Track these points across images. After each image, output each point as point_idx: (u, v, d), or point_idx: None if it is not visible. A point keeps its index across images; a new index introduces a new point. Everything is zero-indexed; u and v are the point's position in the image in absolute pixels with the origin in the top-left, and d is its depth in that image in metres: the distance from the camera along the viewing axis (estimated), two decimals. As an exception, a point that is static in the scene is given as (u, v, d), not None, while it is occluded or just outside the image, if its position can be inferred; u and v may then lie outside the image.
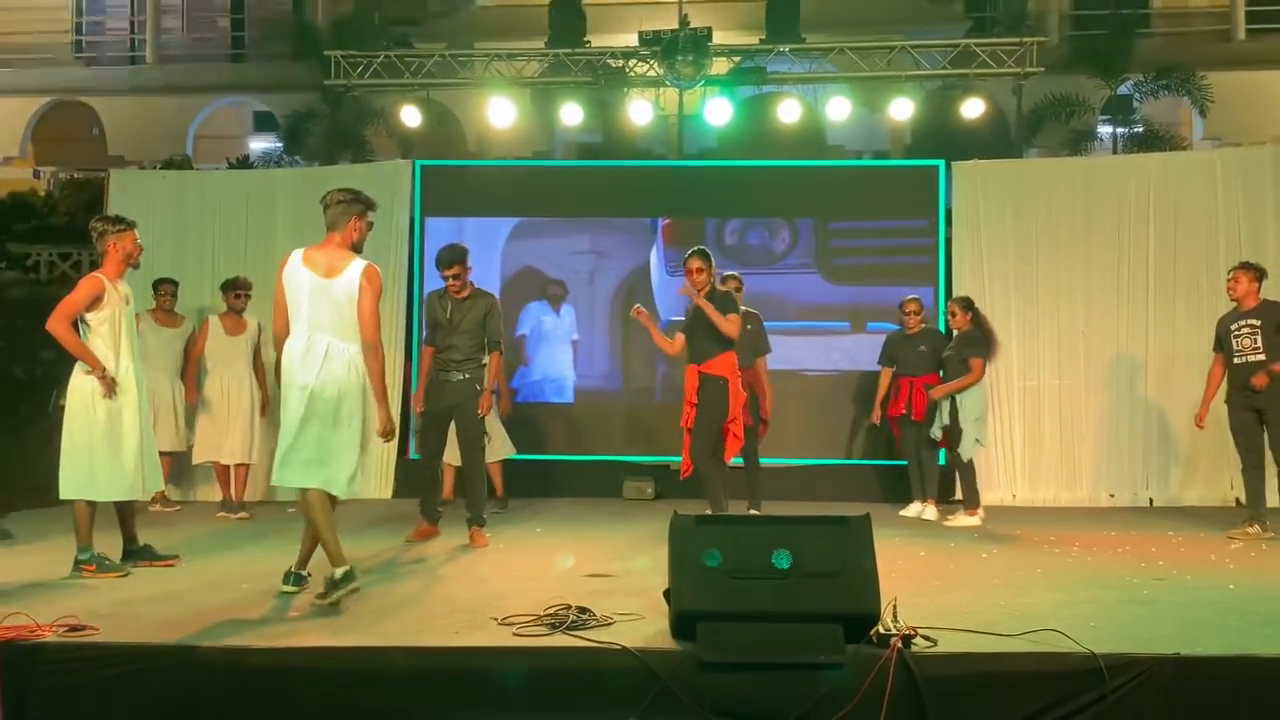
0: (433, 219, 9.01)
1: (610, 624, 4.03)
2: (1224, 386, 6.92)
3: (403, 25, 15.10)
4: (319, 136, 14.15)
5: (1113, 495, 8.30)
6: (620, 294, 8.92)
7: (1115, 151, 13.82)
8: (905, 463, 7.82)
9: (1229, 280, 6.91)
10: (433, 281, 6.58)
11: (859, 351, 8.55)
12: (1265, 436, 6.71)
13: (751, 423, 7.10)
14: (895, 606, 3.78)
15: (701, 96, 10.78)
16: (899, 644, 3.61)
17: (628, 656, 3.65)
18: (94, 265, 5.96)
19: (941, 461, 7.78)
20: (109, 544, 5.36)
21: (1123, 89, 14.19)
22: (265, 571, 5.14)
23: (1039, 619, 4.04)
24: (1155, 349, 8.36)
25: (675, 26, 10.04)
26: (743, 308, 7.16)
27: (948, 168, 8.77)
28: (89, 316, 5.23)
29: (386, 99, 12.21)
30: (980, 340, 7.40)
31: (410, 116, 10.69)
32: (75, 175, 14.41)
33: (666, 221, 9.02)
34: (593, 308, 9.02)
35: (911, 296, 7.81)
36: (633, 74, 10.48)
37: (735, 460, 6.75)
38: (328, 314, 4.56)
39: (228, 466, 7.64)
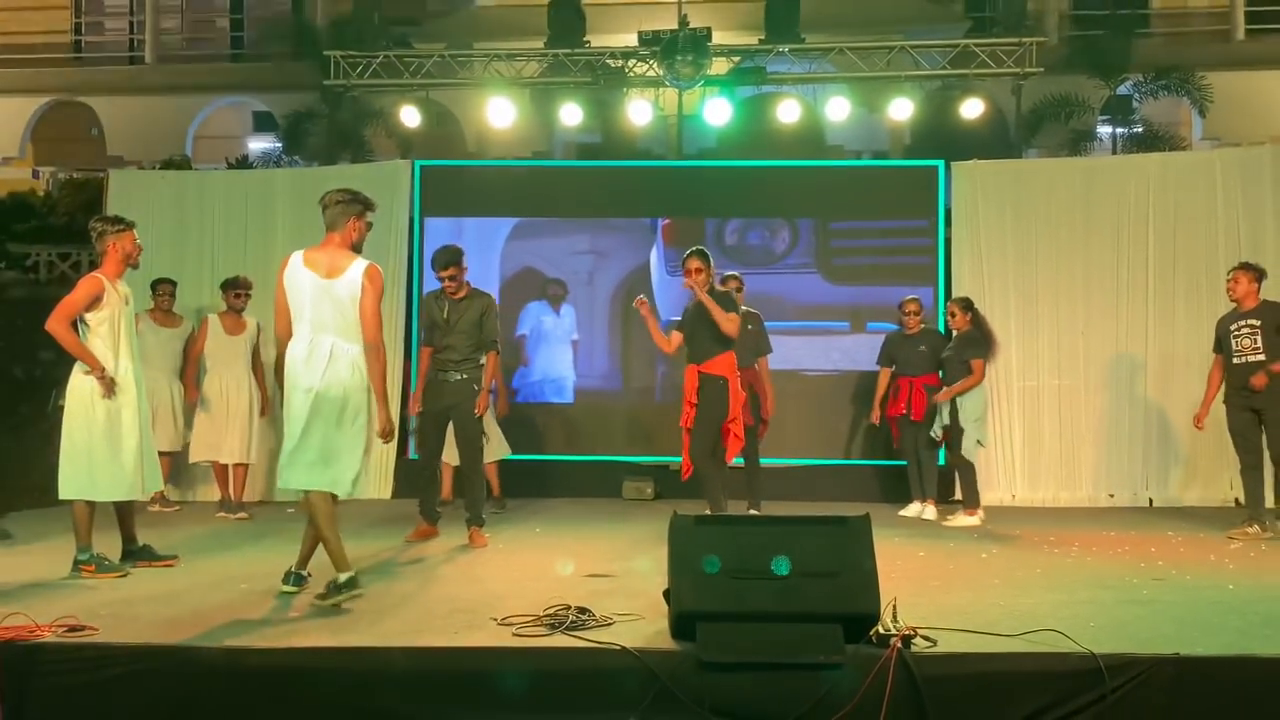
0: (432, 219, 9.01)
1: (610, 624, 4.03)
2: (1223, 387, 6.92)
3: (402, 25, 15.06)
4: (318, 137, 14.13)
5: (1112, 495, 8.31)
6: (620, 294, 8.92)
7: (1115, 152, 13.80)
8: (904, 463, 7.82)
9: (1229, 281, 6.91)
10: (432, 282, 6.58)
11: (859, 351, 8.55)
12: (1264, 437, 6.71)
13: (752, 423, 7.11)
14: (895, 607, 3.79)
15: (701, 96, 10.78)
16: (898, 644, 3.61)
17: (627, 657, 3.65)
18: (93, 265, 5.96)
19: (941, 461, 7.79)
20: (108, 544, 5.36)
21: (1122, 89, 14.18)
22: (265, 572, 5.14)
23: (1038, 619, 4.05)
24: (1155, 349, 8.37)
25: (675, 26, 10.03)
26: (743, 308, 7.17)
27: (947, 168, 8.77)
28: (88, 316, 5.23)
29: (386, 99, 12.20)
30: (980, 341, 7.40)
31: (410, 117, 10.69)
32: (74, 175, 14.37)
33: (666, 221, 9.02)
34: (592, 308, 9.02)
35: (911, 297, 7.81)
36: (632, 74, 10.48)
37: (736, 460, 6.76)
38: (330, 315, 4.55)
39: (226, 466, 7.64)
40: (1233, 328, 6.82)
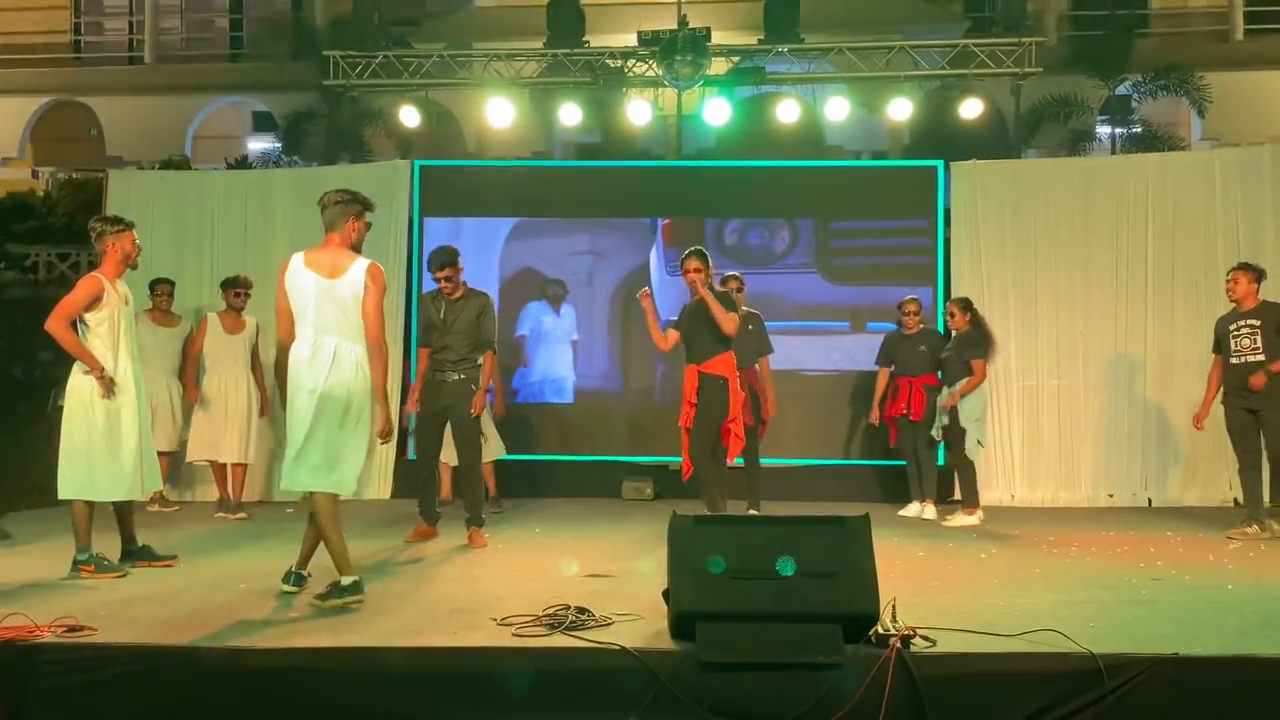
0: (432, 219, 9.01)
1: (609, 624, 4.03)
2: (1222, 387, 6.92)
3: (401, 25, 15.06)
4: (318, 137, 14.14)
5: (1111, 495, 8.31)
6: (620, 294, 8.93)
7: (1114, 152, 13.80)
8: (904, 463, 7.82)
9: (1228, 281, 6.91)
10: (432, 282, 6.58)
11: (859, 351, 8.56)
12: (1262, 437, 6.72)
13: (752, 423, 7.12)
14: (894, 607, 3.79)
15: (700, 97, 10.78)
16: (898, 644, 3.62)
17: (627, 657, 3.65)
18: (92, 265, 5.96)
19: (940, 461, 7.80)
20: (107, 544, 5.36)
21: (1121, 89, 14.19)
22: (264, 572, 5.14)
23: (1038, 619, 4.05)
24: (1154, 349, 8.37)
25: (674, 27, 10.03)
26: (744, 308, 7.18)
27: (946, 168, 8.78)
28: (88, 317, 5.22)
29: (385, 99, 12.21)
30: (979, 341, 7.41)
31: (409, 117, 10.69)
32: (74, 175, 14.36)
33: (666, 222, 9.03)
34: (592, 308, 9.02)
35: (910, 297, 7.81)
36: (631, 74, 10.48)
37: (736, 460, 6.77)
38: (334, 315, 4.54)
39: (224, 465, 7.64)
40: (1232, 328, 6.82)
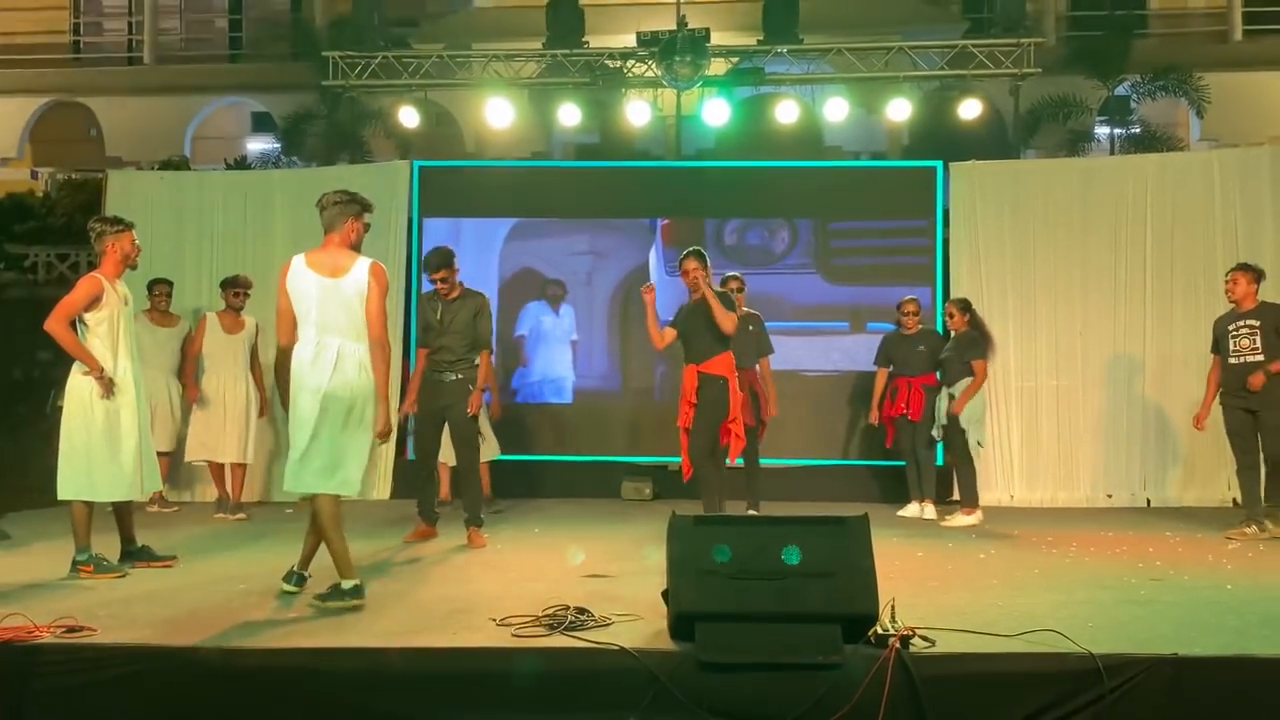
0: (431, 219, 9.01)
1: (608, 624, 4.03)
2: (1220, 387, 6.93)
3: (401, 26, 15.06)
4: (317, 137, 14.13)
5: (1110, 496, 8.31)
6: (619, 295, 8.93)
7: (1112, 152, 13.81)
8: (903, 463, 7.83)
9: (1227, 281, 6.92)
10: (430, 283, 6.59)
11: (858, 351, 8.57)
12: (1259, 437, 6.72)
13: (753, 423, 7.12)
14: (893, 607, 3.79)
15: (699, 97, 10.78)
16: (897, 644, 3.62)
17: (626, 657, 3.65)
18: (92, 266, 5.96)
19: (939, 461, 7.80)
20: (107, 545, 5.36)
21: (1120, 90, 14.19)
22: (263, 572, 5.14)
23: (1037, 619, 4.05)
24: (1152, 349, 8.38)
25: (673, 27, 10.03)
26: (744, 309, 7.18)
27: (945, 169, 8.78)
28: (87, 317, 5.22)
29: (385, 100, 12.21)
30: (979, 342, 7.42)
31: (408, 117, 10.69)
32: (73, 176, 14.35)
33: (665, 222, 9.03)
34: (591, 308, 9.03)
35: (910, 297, 7.81)
36: (630, 75, 10.48)
37: (736, 460, 6.77)
38: (338, 315, 4.54)
39: (221, 464, 7.63)
40: (1231, 328, 6.82)
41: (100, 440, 5.17)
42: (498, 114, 10.43)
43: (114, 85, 18.07)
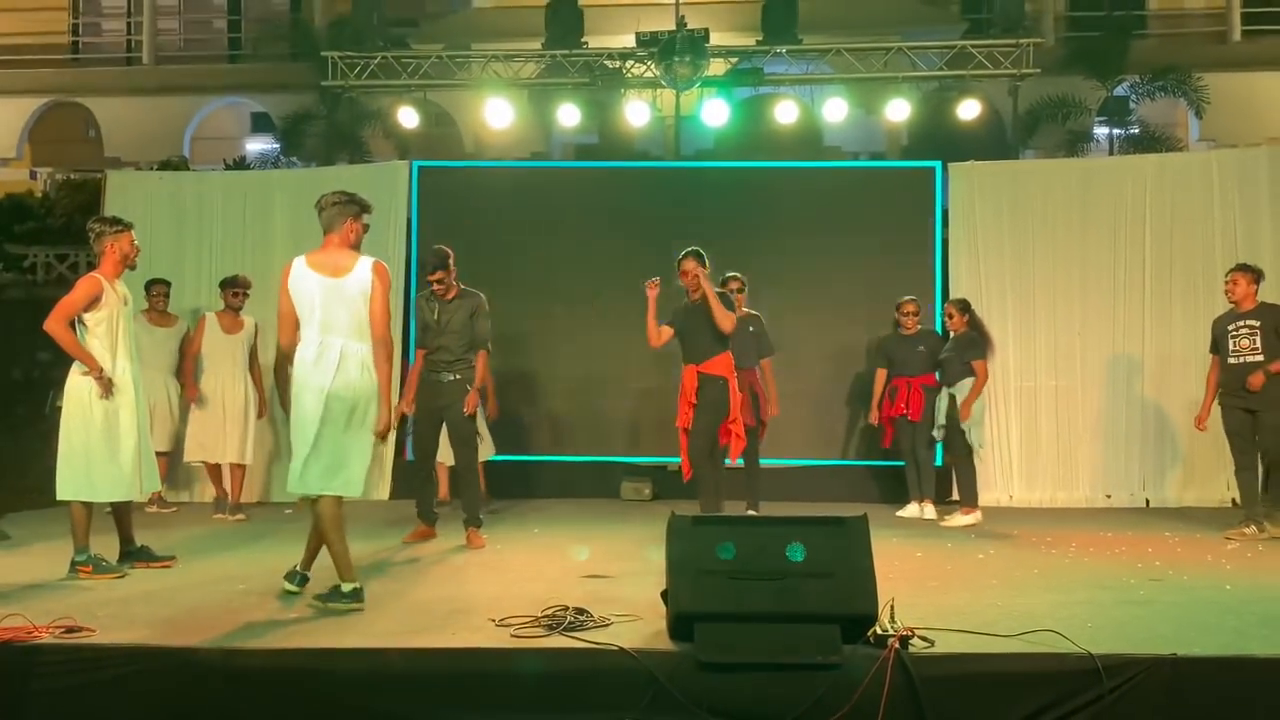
0: (430, 220, 8.99)
1: (608, 625, 4.03)
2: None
3: (400, 26, 15.08)
4: (316, 138, 14.14)
5: (1109, 496, 8.32)
6: (618, 294, 8.88)
7: (1111, 153, 13.84)
8: (902, 463, 7.83)
9: (1227, 282, 6.92)
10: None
11: (857, 352, 8.55)
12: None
13: (753, 423, 7.12)
14: (893, 607, 3.79)
15: (698, 98, 10.79)
16: (896, 644, 3.62)
17: (625, 657, 3.65)
18: (91, 266, 5.96)
19: (938, 462, 7.80)
20: (106, 545, 5.36)
21: (1119, 90, 14.21)
22: (262, 572, 5.14)
23: (1036, 619, 4.05)
24: (1151, 349, 8.38)
25: (672, 28, 10.04)
26: (745, 309, 7.18)
27: (944, 169, 8.78)
28: (86, 317, 5.22)
29: (384, 100, 12.22)
30: (979, 342, 7.42)
31: (407, 117, 10.69)
32: (72, 176, 14.34)
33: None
34: (591, 308, 8.99)
35: (909, 298, 7.81)
36: (630, 75, 10.49)
37: (737, 460, 6.77)
38: (341, 314, 4.53)
39: (218, 464, 7.63)
40: (1230, 328, 6.83)
41: (99, 441, 5.17)
42: (497, 114, 10.44)
43: (113, 86, 18.07)
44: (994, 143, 12.26)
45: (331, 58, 10.67)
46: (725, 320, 6.30)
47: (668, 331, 6.58)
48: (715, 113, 10.38)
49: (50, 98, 18.32)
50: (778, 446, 8.01)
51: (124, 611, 4.35)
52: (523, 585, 4.96)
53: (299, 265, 4.62)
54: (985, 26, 14.37)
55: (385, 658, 3.75)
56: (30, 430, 8.27)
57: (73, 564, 5.17)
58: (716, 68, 10.35)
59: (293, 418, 4.59)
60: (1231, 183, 8.41)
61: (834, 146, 13.87)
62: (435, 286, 6.37)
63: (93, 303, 5.21)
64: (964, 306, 7.57)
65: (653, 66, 10.20)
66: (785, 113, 10.48)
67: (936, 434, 7.48)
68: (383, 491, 8.52)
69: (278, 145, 15.14)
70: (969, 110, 10.57)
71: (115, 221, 5.44)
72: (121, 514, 5.48)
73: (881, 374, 7.82)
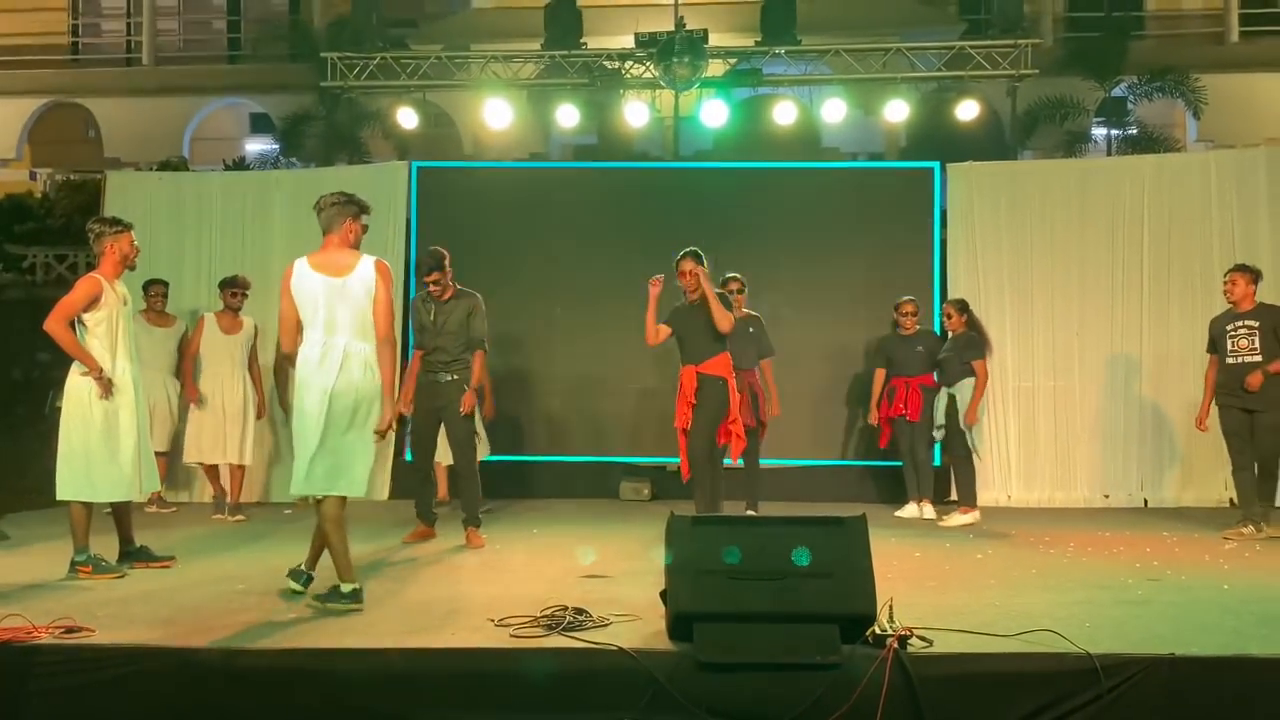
0: (429, 220, 8.99)
1: (607, 625, 4.04)
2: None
3: (399, 27, 15.09)
4: (316, 138, 14.15)
5: (1107, 496, 8.33)
6: (618, 294, 8.89)
7: (1109, 153, 13.84)
8: (901, 463, 7.84)
9: (1226, 282, 6.93)
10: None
11: (856, 352, 8.57)
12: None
13: (753, 423, 7.13)
14: (891, 607, 3.80)
15: (697, 98, 10.79)
16: (895, 644, 3.62)
17: (624, 657, 3.66)
18: (90, 267, 5.96)
19: (937, 462, 7.81)
20: (105, 545, 5.36)
21: (1117, 91, 14.23)
22: (262, 572, 5.14)
23: (1034, 619, 4.06)
24: (1149, 349, 8.39)
25: (671, 28, 10.05)
26: (745, 310, 7.18)
27: (943, 169, 8.78)
28: (85, 317, 5.22)
29: (383, 101, 12.22)
30: (978, 342, 7.43)
31: (406, 118, 10.70)
32: (72, 177, 14.35)
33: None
34: (591, 308, 9.00)
35: (908, 298, 7.81)
36: (628, 76, 10.50)
37: (737, 460, 6.77)
38: (344, 315, 4.53)
39: (215, 465, 7.63)
40: (1229, 328, 6.84)
41: (99, 441, 5.17)
42: (496, 115, 10.44)
43: (112, 86, 18.07)
44: (992, 143, 12.27)
45: (331, 58, 10.68)
46: (724, 320, 6.31)
47: (665, 330, 6.58)
48: (714, 113, 10.38)
49: (50, 98, 18.32)
50: (777, 447, 8.01)
51: (123, 612, 4.35)
52: (522, 585, 4.96)
53: (301, 266, 4.61)
54: (984, 27, 14.36)
55: (385, 658, 3.75)
56: (30, 430, 8.27)
57: (72, 564, 5.17)
58: (715, 68, 10.36)
59: (295, 418, 4.58)
60: (1229, 183, 8.42)
61: (833, 147, 13.88)
62: (431, 287, 6.38)
63: (92, 303, 5.21)
64: (962, 307, 7.58)
65: (652, 67, 10.21)
66: (784, 113, 10.48)
67: (936, 434, 7.49)
68: (382, 492, 8.53)
69: (277, 146, 15.15)
70: (967, 111, 10.58)
71: (115, 222, 5.44)
72: (121, 514, 5.49)
73: (880, 374, 7.83)
